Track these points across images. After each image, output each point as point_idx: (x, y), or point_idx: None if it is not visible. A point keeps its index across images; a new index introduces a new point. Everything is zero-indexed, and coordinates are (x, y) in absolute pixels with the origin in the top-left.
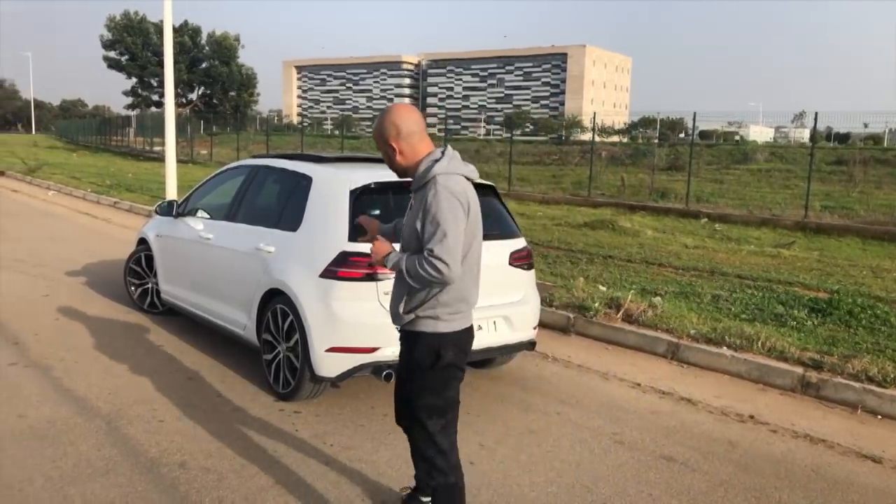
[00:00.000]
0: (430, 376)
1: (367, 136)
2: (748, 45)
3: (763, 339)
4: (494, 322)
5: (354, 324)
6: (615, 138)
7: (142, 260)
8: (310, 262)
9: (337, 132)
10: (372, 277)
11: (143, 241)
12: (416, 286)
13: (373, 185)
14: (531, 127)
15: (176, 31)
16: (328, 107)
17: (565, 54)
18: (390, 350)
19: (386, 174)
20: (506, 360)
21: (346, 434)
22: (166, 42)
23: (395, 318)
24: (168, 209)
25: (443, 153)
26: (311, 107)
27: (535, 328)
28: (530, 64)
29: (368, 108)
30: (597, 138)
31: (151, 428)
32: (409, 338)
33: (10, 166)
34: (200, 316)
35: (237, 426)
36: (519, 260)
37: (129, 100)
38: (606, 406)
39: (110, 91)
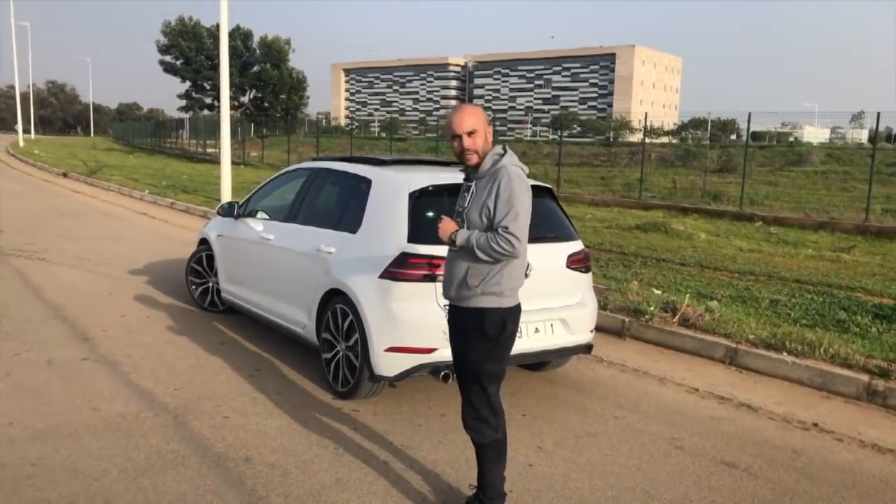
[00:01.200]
0: (494, 346)
1: (413, 139)
2: (803, 43)
3: (826, 345)
4: (551, 325)
5: (413, 324)
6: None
7: (203, 260)
8: (370, 263)
9: (384, 134)
10: (430, 278)
11: (203, 242)
12: (486, 260)
13: (431, 188)
14: (578, 128)
15: (228, 35)
16: (375, 109)
17: (614, 55)
18: (447, 351)
19: (443, 176)
20: (560, 362)
21: (405, 433)
22: (222, 46)
23: (456, 292)
24: (229, 210)
25: (504, 149)
26: (358, 109)
27: (592, 331)
28: (578, 65)
29: (415, 110)
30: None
31: (217, 423)
32: (472, 313)
33: (72, 168)
34: (260, 315)
35: (299, 423)
36: (576, 262)
37: (183, 103)
38: (664, 411)
39: (165, 94)
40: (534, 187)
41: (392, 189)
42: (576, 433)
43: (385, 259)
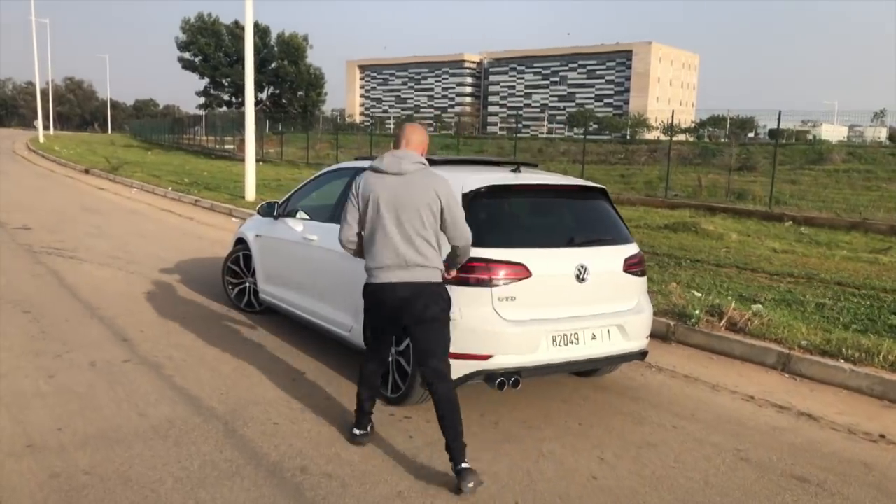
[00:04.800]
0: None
1: (430, 135)
2: (821, 41)
3: (885, 351)
4: (608, 331)
5: (469, 330)
6: (681, 137)
7: (240, 259)
8: None
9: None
10: (486, 283)
11: (240, 241)
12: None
13: (484, 189)
14: (595, 125)
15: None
16: (390, 106)
17: (630, 51)
18: (504, 358)
19: (494, 177)
20: (610, 368)
21: None
22: (247, 44)
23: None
24: (269, 210)
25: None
26: (373, 106)
27: (647, 337)
28: (594, 61)
29: (430, 106)
30: (663, 137)
31: (268, 430)
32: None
33: (93, 164)
34: (302, 317)
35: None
36: (633, 266)
37: (202, 99)
38: (723, 420)
39: (181, 91)
40: (586, 188)
41: None
42: (636, 444)
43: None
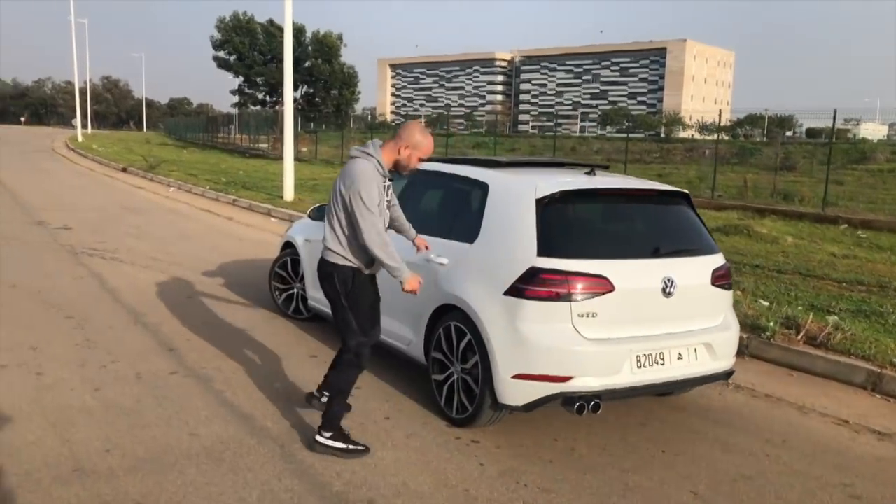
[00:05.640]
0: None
1: (460, 134)
2: (859, 38)
3: None
4: (695, 350)
5: (546, 349)
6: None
7: (288, 264)
8: (491, 278)
9: (429, 130)
10: (565, 297)
11: (288, 246)
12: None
13: (559, 194)
14: (629, 124)
15: (280, 30)
16: (421, 104)
17: (664, 49)
18: (584, 380)
19: (567, 180)
20: (688, 388)
21: (535, 471)
22: (286, 44)
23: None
24: (320, 214)
25: None
26: (403, 105)
27: (734, 356)
28: (627, 59)
29: (461, 105)
30: (697, 136)
31: (326, 455)
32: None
33: (130, 163)
34: None
35: (417, 457)
36: (720, 279)
37: (236, 98)
38: (819, 448)
39: (215, 90)
40: (668, 192)
41: (515, 195)
42: (729, 475)
43: (510, 274)
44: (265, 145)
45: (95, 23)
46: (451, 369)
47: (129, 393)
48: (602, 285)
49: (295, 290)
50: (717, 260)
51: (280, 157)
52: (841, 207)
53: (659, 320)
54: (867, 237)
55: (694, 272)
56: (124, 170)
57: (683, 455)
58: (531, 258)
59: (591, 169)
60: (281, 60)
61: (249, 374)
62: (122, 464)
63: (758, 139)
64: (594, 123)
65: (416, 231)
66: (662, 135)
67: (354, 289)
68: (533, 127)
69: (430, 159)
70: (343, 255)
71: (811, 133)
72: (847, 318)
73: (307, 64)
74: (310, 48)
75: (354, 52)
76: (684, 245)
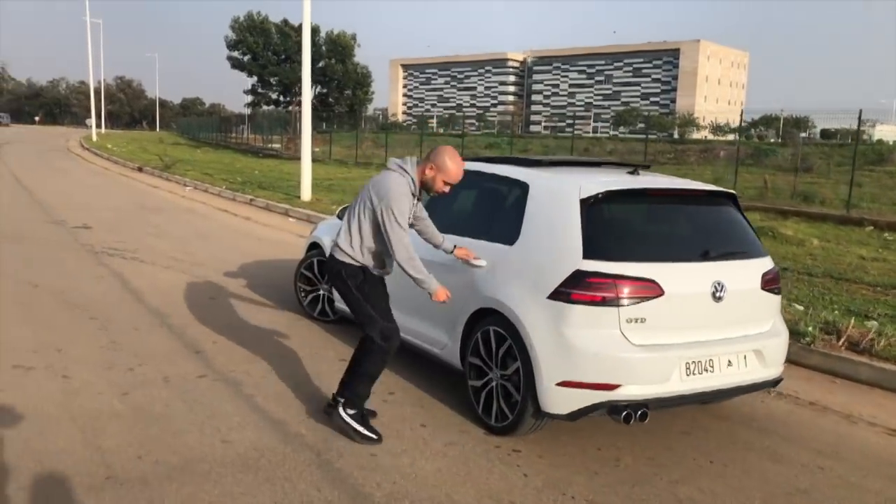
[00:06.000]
0: None
1: (472, 135)
2: (876, 38)
3: None
4: (745, 356)
5: (592, 355)
6: (731, 137)
7: (314, 266)
8: (534, 281)
9: (441, 130)
10: (613, 302)
11: (314, 246)
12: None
13: (603, 194)
14: (642, 125)
15: (294, 30)
16: (433, 105)
17: (678, 50)
18: (633, 388)
19: (611, 180)
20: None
21: (581, 483)
22: (304, 44)
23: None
24: None
25: None
26: (415, 105)
27: (783, 363)
28: (640, 60)
29: (472, 105)
30: (711, 136)
31: (365, 463)
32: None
33: (146, 162)
34: None
35: (458, 466)
36: (770, 283)
37: (249, 98)
38: (872, 460)
39: (227, 90)
40: (716, 193)
41: (557, 195)
42: (784, 489)
43: (554, 277)
44: (278, 145)
45: (109, 23)
46: (489, 375)
47: (158, 397)
48: (651, 289)
49: (321, 292)
50: (766, 263)
51: (294, 157)
52: (865, 209)
53: (708, 326)
54: (894, 240)
55: (744, 276)
56: (140, 169)
57: (733, 466)
58: (577, 261)
59: (634, 168)
60: (295, 60)
61: (279, 378)
62: (155, 471)
63: (771, 140)
64: (607, 124)
65: (443, 237)
66: (676, 136)
67: (365, 282)
68: (545, 127)
69: (465, 158)
70: (351, 256)
71: (825, 134)
72: (887, 323)
73: (321, 64)
74: (323, 48)
75: (366, 52)
76: (733, 248)
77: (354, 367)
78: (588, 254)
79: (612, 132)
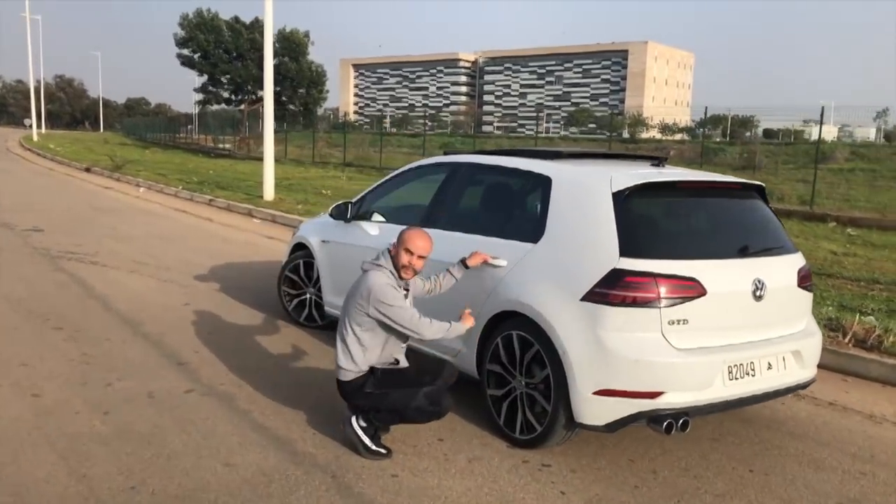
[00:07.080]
0: None
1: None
2: (816, 41)
3: None
4: (783, 358)
5: (633, 361)
6: (678, 136)
7: (300, 268)
8: (564, 282)
9: (394, 129)
10: (654, 303)
11: (299, 247)
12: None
13: (639, 186)
14: (593, 125)
15: (246, 27)
16: (384, 104)
17: (626, 51)
18: (675, 395)
19: (643, 172)
20: None
21: (623, 499)
22: (266, 42)
23: None
24: (343, 212)
25: None
26: (367, 105)
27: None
28: (590, 61)
29: (424, 105)
30: (660, 136)
31: (388, 486)
32: None
33: (94, 163)
34: None
35: (490, 485)
36: (805, 280)
37: (200, 97)
38: None
39: (173, 89)
40: (748, 186)
41: (587, 189)
42: (834, 498)
43: (589, 277)
44: (230, 145)
45: (49, 20)
46: (512, 383)
47: (144, 416)
48: (693, 288)
49: (308, 296)
50: (799, 259)
51: (248, 157)
52: (827, 206)
53: (749, 326)
54: (858, 235)
55: (781, 273)
56: (88, 169)
57: (774, 475)
58: (613, 259)
59: (659, 161)
60: (247, 58)
61: (275, 391)
62: (152, 503)
63: (717, 139)
64: (558, 124)
65: (451, 266)
66: (627, 135)
67: (381, 378)
68: (497, 128)
69: (477, 152)
70: (356, 371)
71: (767, 134)
72: (884, 319)
73: (274, 62)
74: (276, 45)
75: (316, 51)
76: (770, 243)
77: (398, 406)
78: (625, 251)
79: (563, 132)
